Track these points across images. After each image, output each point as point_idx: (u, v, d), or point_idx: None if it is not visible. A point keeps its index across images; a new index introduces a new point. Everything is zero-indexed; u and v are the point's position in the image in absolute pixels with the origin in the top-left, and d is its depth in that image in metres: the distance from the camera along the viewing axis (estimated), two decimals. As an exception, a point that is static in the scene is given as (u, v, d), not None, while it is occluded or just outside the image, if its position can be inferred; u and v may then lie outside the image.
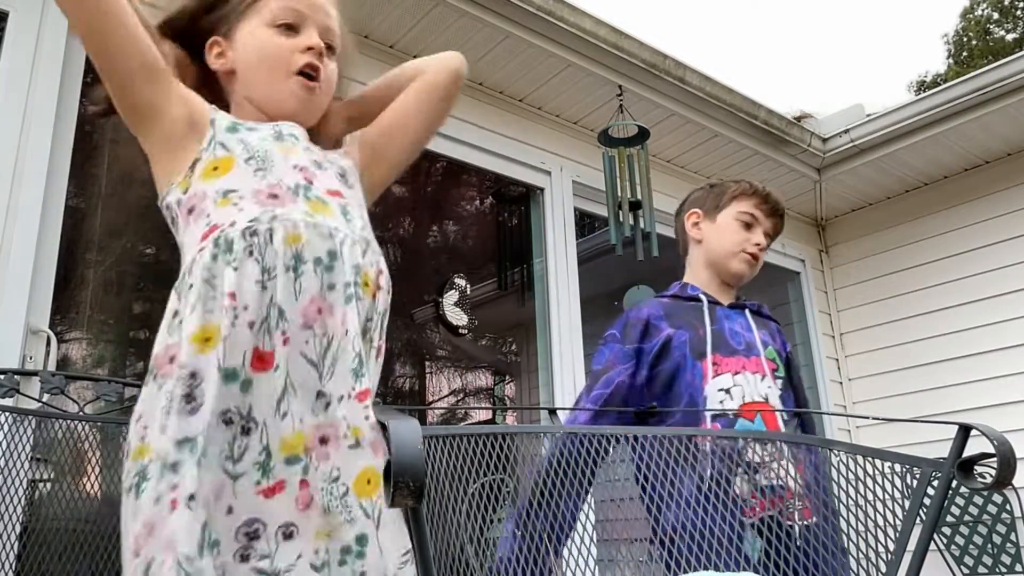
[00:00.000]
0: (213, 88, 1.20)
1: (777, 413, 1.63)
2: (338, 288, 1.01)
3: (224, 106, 1.18)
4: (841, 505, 1.28)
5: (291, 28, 1.16)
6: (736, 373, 1.66)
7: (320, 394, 0.98)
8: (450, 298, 4.16)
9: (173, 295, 1.02)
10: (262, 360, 0.96)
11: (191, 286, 0.98)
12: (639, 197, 3.39)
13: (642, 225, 3.38)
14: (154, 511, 0.88)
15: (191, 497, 0.88)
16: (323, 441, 0.96)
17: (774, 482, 1.43)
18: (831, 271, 4.93)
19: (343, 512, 0.94)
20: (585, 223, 4.01)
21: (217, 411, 0.93)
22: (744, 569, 1.30)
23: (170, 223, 1.12)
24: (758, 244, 1.80)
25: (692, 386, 1.66)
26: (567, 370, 3.38)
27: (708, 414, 1.62)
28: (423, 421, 1.00)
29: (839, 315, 4.83)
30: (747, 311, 1.81)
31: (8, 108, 2.22)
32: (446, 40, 3.16)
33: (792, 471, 1.42)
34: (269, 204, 1.03)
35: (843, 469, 1.29)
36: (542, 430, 1.45)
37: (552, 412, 1.51)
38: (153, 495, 0.89)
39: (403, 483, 0.79)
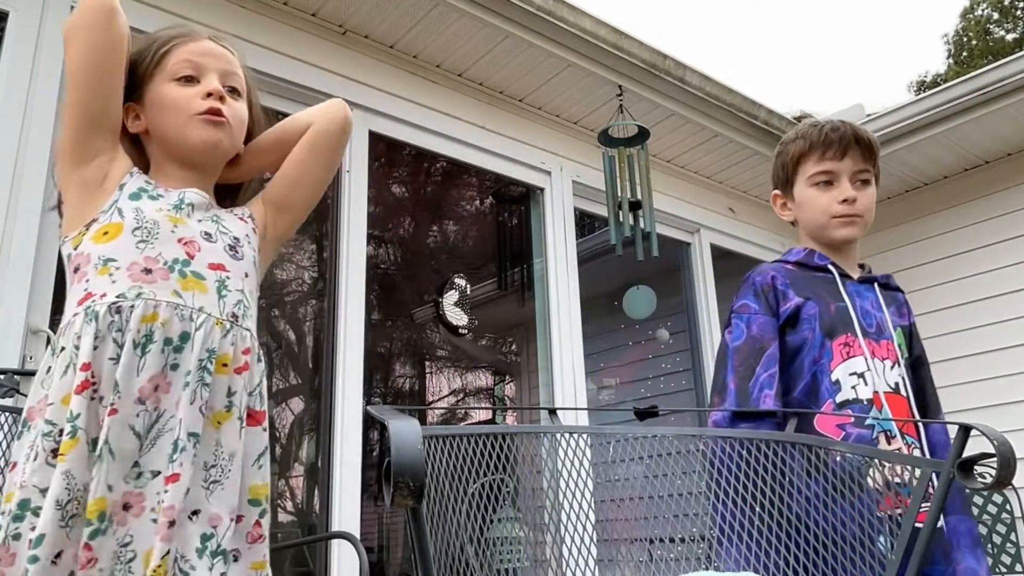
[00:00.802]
0: (142, 152, 1.29)
1: (909, 401, 1.48)
2: (181, 370, 1.10)
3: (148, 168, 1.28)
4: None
5: (191, 80, 1.25)
6: (872, 357, 1.49)
7: (136, 464, 1.06)
8: (450, 298, 4.17)
9: (48, 350, 1.12)
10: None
11: (63, 348, 1.08)
12: (639, 197, 3.39)
13: (642, 225, 3.38)
14: (12, 545, 0.99)
15: (58, 555, 0.98)
16: (126, 507, 1.04)
17: (897, 479, 1.27)
18: (831, 271, 4.92)
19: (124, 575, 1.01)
20: (585, 223, 4.01)
21: (84, 475, 1.02)
22: (876, 568, 1.24)
23: (63, 268, 1.20)
24: (845, 199, 1.58)
25: (818, 365, 1.50)
26: (567, 370, 3.38)
27: (832, 400, 1.46)
28: (423, 421, 1.00)
29: (839, 315, 4.82)
30: (877, 285, 1.62)
31: (8, 108, 2.22)
32: (446, 40, 3.16)
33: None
34: (140, 280, 1.11)
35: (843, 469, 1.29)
36: (542, 430, 1.44)
37: (552, 412, 1.51)
38: (12, 532, 1.00)
39: (403, 483, 0.79)
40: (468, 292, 4.30)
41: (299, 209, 1.36)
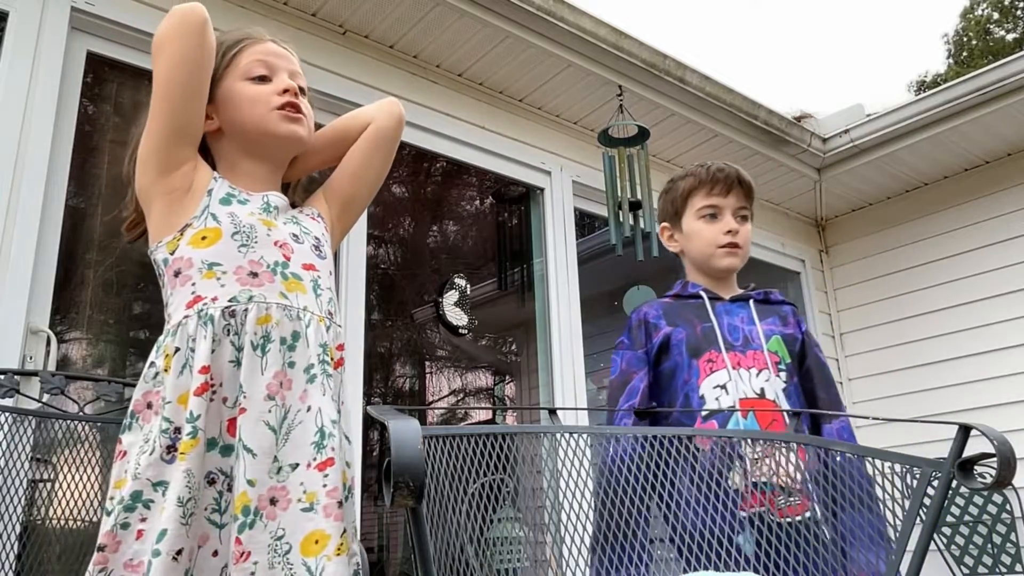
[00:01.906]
0: (206, 157, 1.32)
1: (780, 407, 1.61)
2: (298, 366, 1.15)
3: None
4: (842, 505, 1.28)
5: (263, 79, 1.30)
6: (733, 368, 1.63)
7: (275, 459, 1.10)
8: (450, 298, 4.17)
9: (157, 349, 1.16)
10: (234, 427, 1.11)
11: (177, 349, 1.12)
12: (639, 197, 3.39)
13: (642, 225, 3.38)
14: (120, 534, 1.04)
15: (179, 552, 1.02)
16: (273, 502, 1.08)
17: (764, 479, 1.40)
18: (831, 271, 4.93)
19: (284, 569, 1.05)
20: (585, 223, 4.01)
21: (201, 473, 1.08)
22: (741, 564, 1.30)
23: (157, 275, 1.24)
24: (730, 231, 1.77)
25: (688, 385, 1.66)
26: (567, 370, 3.38)
27: (702, 413, 1.61)
28: (423, 421, 1.00)
29: (839, 315, 4.83)
30: (752, 301, 1.77)
31: (8, 108, 2.22)
32: (446, 40, 3.16)
33: (788, 466, 1.41)
34: (248, 283, 1.16)
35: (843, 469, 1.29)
36: (542, 430, 1.44)
37: (552, 412, 1.51)
38: (115, 520, 1.05)
39: (403, 483, 0.79)
40: (468, 292, 4.30)
41: (361, 204, 1.42)
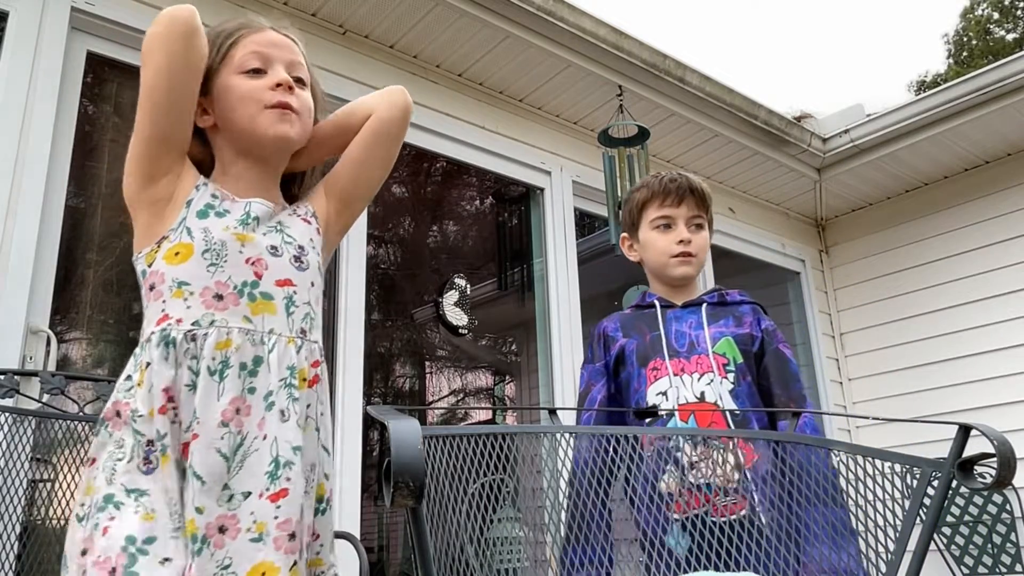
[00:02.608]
0: (208, 148, 1.30)
1: (718, 405, 1.64)
2: (258, 392, 1.12)
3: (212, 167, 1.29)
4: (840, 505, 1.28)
5: (258, 72, 1.25)
6: (675, 375, 1.67)
7: (226, 487, 1.08)
8: (450, 298, 4.16)
9: (134, 360, 1.14)
10: (187, 451, 1.09)
11: (148, 364, 1.11)
12: (639, 197, 3.38)
13: (642, 225, 3.38)
14: (95, 536, 1.02)
15: (166, 560, 1.01)
16: (222, 530, 1.06)
17: (704, 480, 1.43)
18: (831, 271, 4.93)
19: None
20: (585, 223, 4.00)
21: (177, 491, 1.07)
22: (671, 566, 1.32)
23: (138, 283, 1.22)
24: (681, 241, 1.79)
25: (638, 393, 1.70)
26: (567, 370, 3.38)
27: (662, 414, 1.66)
28: (423, 421, 1.00)
29: (839, 315, 4.83)
30: (704, 305, 1.79)
31: (8, 108, 2.22)
32: (446, 40, 3.16)
33: (732, 467, 1.42)
34: (212, 307, 1.14)
35: (843, 469, 1.29)
36: (542, 430, 1.44)
37: (552, 412, 1.51)
38: (93, 524, 1.03)
39: (403, 483, 0.79)
40: (468, 292, 4.29)
41: (362, 199, 1.38)
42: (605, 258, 3.86)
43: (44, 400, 1.79)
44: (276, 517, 1.06)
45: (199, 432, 1.08)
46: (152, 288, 1.16)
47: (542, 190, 3.60)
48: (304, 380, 1.17)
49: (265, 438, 1.10)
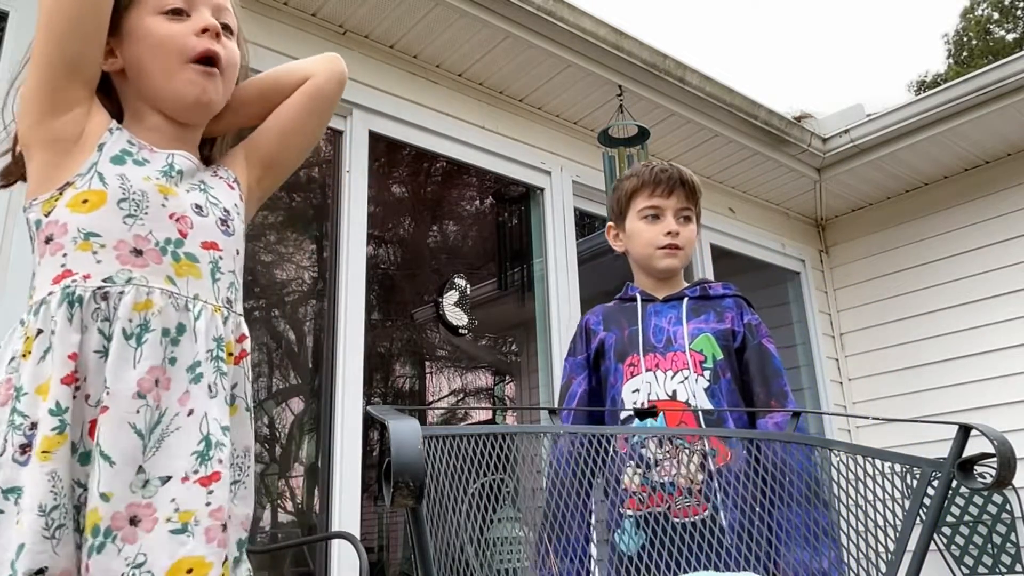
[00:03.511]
0: (112, 97, 1.13)
1: (689, 403, 1.61)
2: (180, 363, 0.97)
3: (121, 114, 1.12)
4: (841, 505, 1.28)
5: (179, 12, 1.08)
6: (648, 370, 1.64)
7: (141, 469, 0.92)
8: (450, 298, 4.16)
9: (18, 329, 0.99)
10: (93, 431, 0.93)
11: (39, 331, 0.95)
12: (639, 197, 3.39)
13: (642, 225, 3.38)
14: None
15: (40, 571, 0.86)
16: (133, 521, 0.90)
17: (668, 479, 1.42)
18: (831, 271, 4.93)
19: None
20: (585, 223, 4.01)
21: (69, 478, 0.90)
22: (615, 563, 1.33)
23: (29, 238, 1.07)
24: (669, 232, 1.75)
25: (615, 388, 1.68)
26: (567, 370, 3.38)
27: (622, 415, 1.63)
28: (423, 421, 1.00)
29: (839, 315, 4.83)
30: (686, 300, 1.75)
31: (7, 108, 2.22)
32: (446, 40, 3.16)
33: (697, 467, 1.42)
34: (129, 262, 0.98)
35: (843, 469, 1.29)
36: (542, 430, 1.44)
37: (552, 412, 1.51)
38: None
39: (403, 483, 0.79)
40: (468, 292, 4.29)
41: (287, 167, 1.25)
42: (605, 258, 3.86)
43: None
44: (208, 504, 0.92)
45: (109, 404, 0.91)
46: (49, 240, 1.00)
47: (542, 190, 3.60)
48: (231, 355, 1.03)
49: (191, 414, 0.95)
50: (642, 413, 1.62)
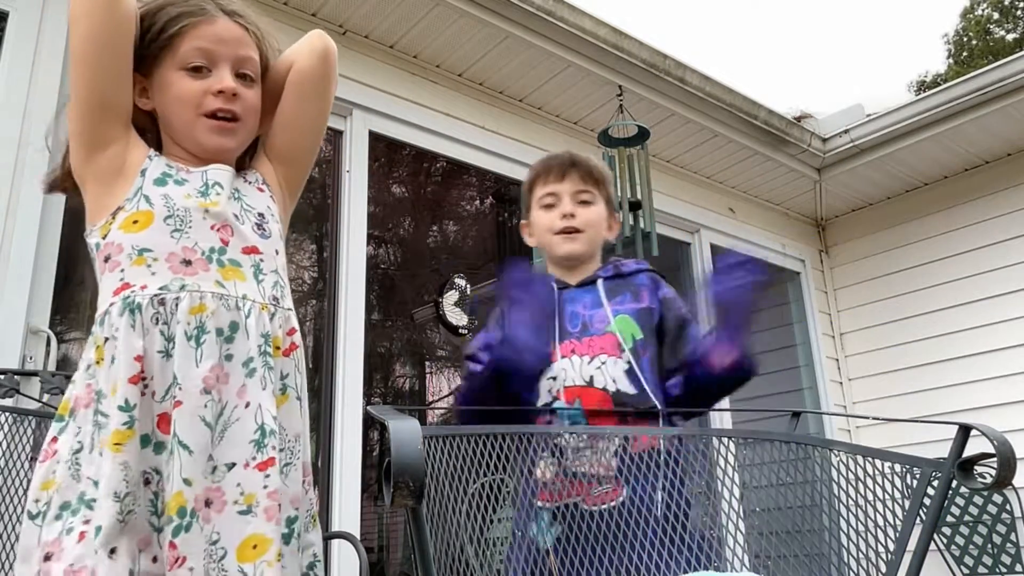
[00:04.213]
0: (154, 124, 1.23)
1: (606, 389, 1.56)
2: (236, 359, 1.08)
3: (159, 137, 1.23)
4: (841, 505, 1.28)
5: (201, 69, 1.18)
6: (564, 357, 1.59)
7: (210, 457, 1.03)
8: (450, 298, 4.16)
9: (91, 340, 1.09)
10: (166, 423, 1.04)
11: (107, 339, 1.06)
12: (639, 197, 3.39)
13: (642, 225, 3.38)
14: (64, 540, 0.98)
15: (113, 550, 0.97)
16: (207, 503, 1.02)
17: (582, 469, 1.40)
18: (831, 271, 4.93)
19: (218, 574, 0.99)
20: (585, 223, 4.00)
21: (139, 468, 1.02)
22: (531, 554, 1.33)
23: (91, 258, 1.17)
24: (564, 214, 1.69)
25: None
26: (567, 370, 3.38)
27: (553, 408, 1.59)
28: (423, 421, 1.00)
29: (839, 315, 4.83)
30: (600, 281, 1.71)
31: (8, 108, 2.22)
32: (446, 40, 3.16)
33: (612, 454, 1.42)
34: (180, 272, 1.09)
35: (843, 469, 1.29)
36: (541, 430, 1.44)
37: (552, 412, 1.51)
38: (62, 526, 0.99)
39: (403, 483, 0.79)
40: (468, 292, 4.29)
41: (304, 156, 1.31)
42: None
43: (44, 400, 1.79)
44: (265, 487, 1.03)
45: (182, 399, 1.02)
46: (108, 259, 1.11)
47: (542, 190, 3.60)
48: (278, 348, 1.13)
49: (248, 406, 1.06)
50: (642, 414, 1.62)
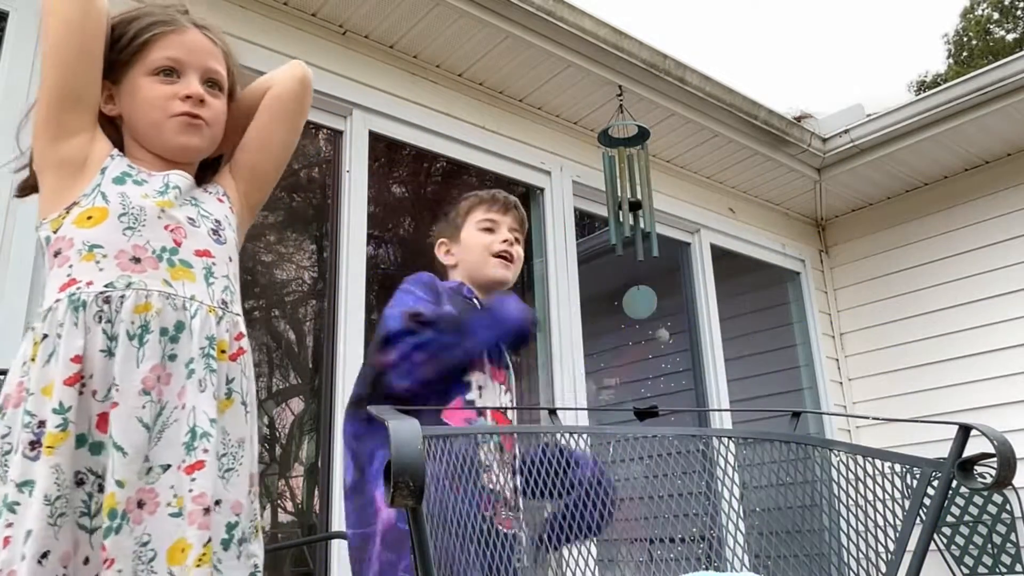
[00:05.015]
0: (117, 131, 1.25)
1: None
2: (180, 359, 1.08)
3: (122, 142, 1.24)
4: (841, 505, 1.28)
5: (171, 73, 1.21)
6: (484, 375, 1.66)
7: (147, 459, 1.03)
8: (450, 298, 4.16)
9: (29, 335, 1.08)
10: (105, 423, 1.03)
11: (45, 336, 1.05)
12: (639, 197, 3.39)
13: (642, 225, 3.38)
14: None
15: (44, 555, 0.96)
16: (140, 505, 1.02)
17: (492, 486, 1.44)
18: (831, 271, 4.93)
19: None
20: (585, 223, 4.00)
21: (71, 470, 1.01)
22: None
23: (41, 252, 1.19)
24: (505, 240, 1.78)
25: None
26: (567, 370, 3.38)
27: (463, 397, 1.62)
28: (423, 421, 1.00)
29: (839, 315, 4.83)
30: None
31: (8, 107, 2.22)
32: (446, 40, 3.16)
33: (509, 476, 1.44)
34: (129, 269, 1.09)
35: (843, 469, 1.29)
36: (542, 430, 1.45)
37: (552, 412, 1.51)
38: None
39: (403, 483, 0.79)
40: (468, 292, 4.29)
41: (269, 176, 1.33)
42: (605, 258, 3.86)
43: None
44: (191, 491, 1.02)
45: (119, 400, 1.02)
46: (57, 254, 1.10)
47: (542, 190, 3.60)
48: (224, 352, 1.13)
49: (184, 408, 1.06)
50: (642, 414, 1.62)
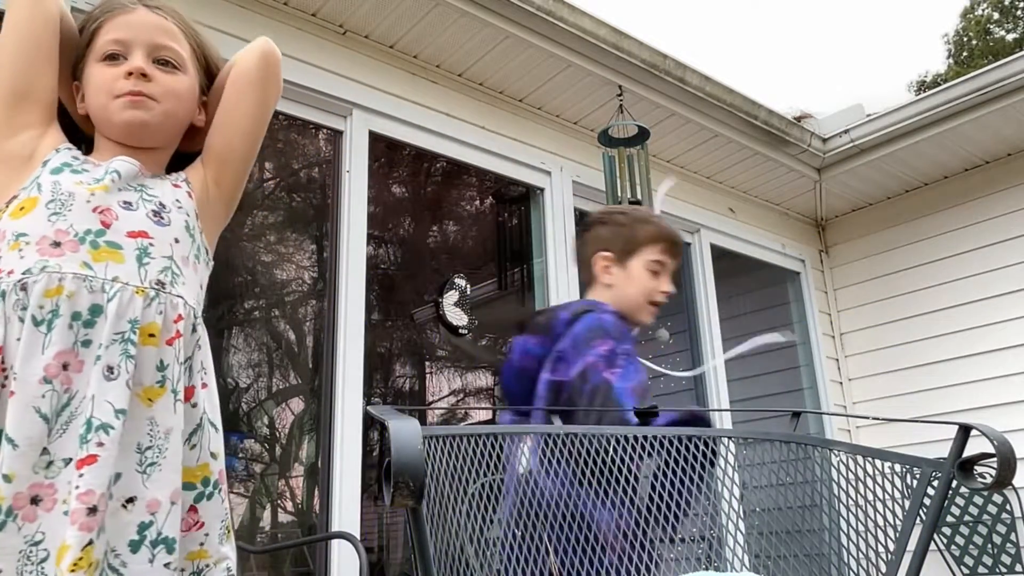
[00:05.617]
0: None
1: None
2: (93, 346, 1.02)
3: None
4: (841, 505, 1.28)
5: (116, 57, 1.19)
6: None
7: (45, 451, 0.97)
8: (450, 298, 4.16)
9: None
10: None
11: None
12: (639, 197, 3.39)
13: (642, 225, 3.38)
14: None
15: None
16: (35, 501, 0.95)
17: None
18: (831, 271, 4.93)
19: None
20: (585, 223, 4.00)
21: None
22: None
23: None
24: (665, 292, 1.75)
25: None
26: (567, 370, 3.38)
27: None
28: (423, 421, 1.00)
29: (839, 315, 4.83)
30: None
31: None
32: (446, 40, 3.16)
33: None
34: (47, 254, 1.05)
35: (843, 469, 1.29)
36: (542, 430, 1.44)
37: (552, 412, 1.51)
38: None
39: (403, 483, 0.79)
40: (468, 292, 4.29)
41: (239, 158, 1.27)
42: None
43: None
44: (77, 487, 0.94)
45: (15, 389, 0.97)
46: None
47: (542, 190, 3.60)
48: (152, 336, 1.06)
49: (86, 397, 0.99)
50: (642, 414, 1.62)
